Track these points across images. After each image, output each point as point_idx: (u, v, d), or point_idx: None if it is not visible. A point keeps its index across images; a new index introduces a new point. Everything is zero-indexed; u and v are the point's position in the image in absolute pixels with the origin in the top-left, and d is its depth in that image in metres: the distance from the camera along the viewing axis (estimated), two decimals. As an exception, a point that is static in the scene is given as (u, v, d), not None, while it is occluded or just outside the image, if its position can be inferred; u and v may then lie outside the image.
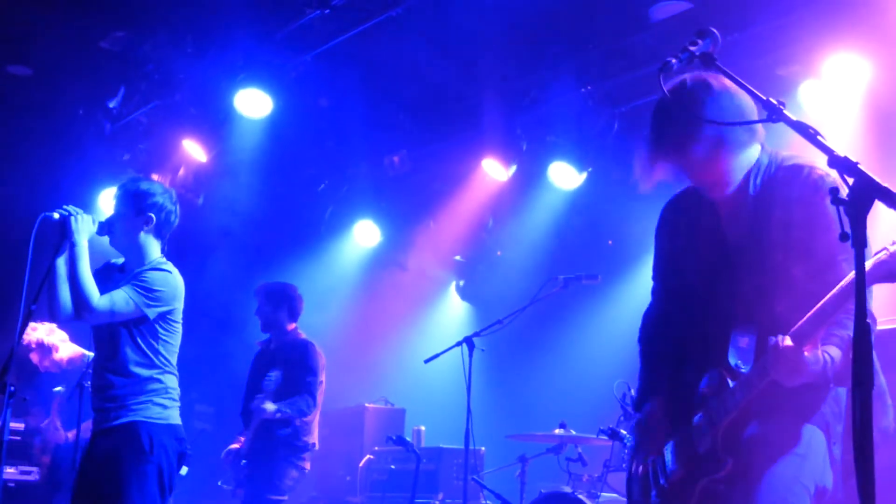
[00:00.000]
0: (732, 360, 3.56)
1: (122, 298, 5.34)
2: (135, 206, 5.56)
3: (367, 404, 10.46)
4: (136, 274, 5.47)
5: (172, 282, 5.55)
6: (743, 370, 3.52)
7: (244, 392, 8.34)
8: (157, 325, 5.44)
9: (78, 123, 10.36)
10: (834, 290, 3.23)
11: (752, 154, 3.68)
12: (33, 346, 8.20)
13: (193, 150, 10.38)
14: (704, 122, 3.52)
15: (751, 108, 3.53)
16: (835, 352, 3.37)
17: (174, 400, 5.50)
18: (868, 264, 3.15)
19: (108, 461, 5.28)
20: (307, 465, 8.21)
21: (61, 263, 5.31)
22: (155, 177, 10.49)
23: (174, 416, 5.47)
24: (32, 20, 8.75)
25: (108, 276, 5.56)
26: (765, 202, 3.62)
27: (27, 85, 9.86)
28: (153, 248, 5.63)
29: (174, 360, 5.57)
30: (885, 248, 3.16)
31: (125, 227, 5.54)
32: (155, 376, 5.41)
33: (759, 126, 3.62)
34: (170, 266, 5.59)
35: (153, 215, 5.59)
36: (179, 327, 5.61)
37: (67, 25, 8.78)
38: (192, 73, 9.35)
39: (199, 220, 10.88)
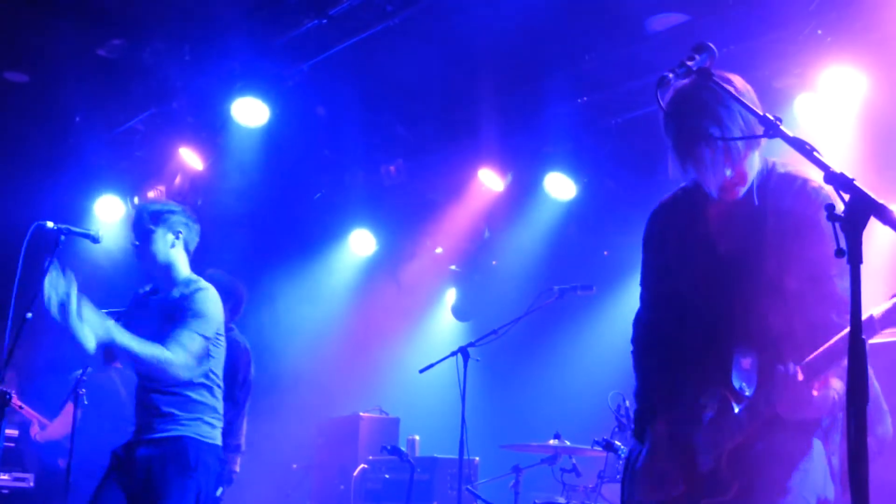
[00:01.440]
0: (736, 383, 3.52)
1: (188, 338, 5.32)
2: (160, 224, 5.57)
3: (361, 413, 10.44)
4: (181, 303, 5.45)
5: (216, 298, 5.57)
6: (746, 393, 3.50)
7: None
8: (209, 348, 5.48)
9: (75, 131, 10.36)
10: (845, 332, 3.17)
11: (757, 156, 3.64)
12: None
13: (190, 159, 10.39)
14: (706, 137, 3.44)
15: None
16: (839, 385, 3.33)
17: (219, 420, 5.54)
18: (887, 305, 3.15)
19: (151, 471, 5.29)
20: (236, 468, 7.95)
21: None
22: (155, 191, 10.52)
23: (218, 437, 5.50)
24: (30, 27, 8.75)
25: (144, 304, 5.60)
26: (759, 211, 3.59)
27: (24, 92, 9.86)
28: (184, 265, 5.66)
29: (220, 374, 5.59)
30: None
31: (154, 248, 5.54)
32: (203, 393, 5.45)
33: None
34: (204, 283, 5.60)
35: (182, 230, 5.62)
36: (224, 340, 5.64)
37: (65, 32, 8.78)
38: (189, 82, 9.36)
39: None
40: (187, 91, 9.49)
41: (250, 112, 9.27)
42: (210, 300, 5.51)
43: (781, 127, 2.91)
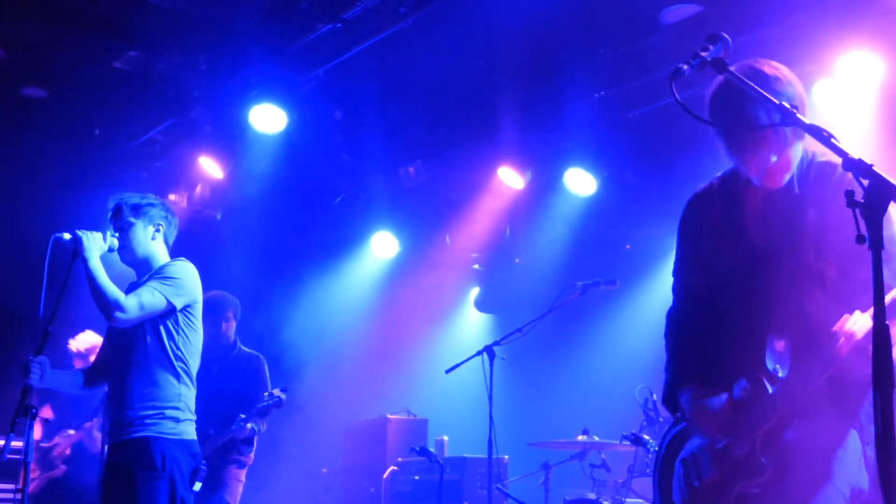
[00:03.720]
0: (770, 365, 3.52)
1: (148, 292, 5.34)
2: (141, 218, 5.59)
3: (389, 416, 10.45)
4: (157, 270, 5.50)
5: (192, 272, 5.59)
6: (780, 374, 3.49)
7: None
8: (180, 321, 5.45)
9: (94, 144, 10.42)
10: None
11: (800, 146, 3.62)
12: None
13: (210, 167, 10.44)
14: (753, 124, 3.43)
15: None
16: None
17: (188, 413, 5.47)
18: None
19: (121, 476, 5.28)
20: (242, 478, 7.86)
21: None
22: (172, 196, 10.55)
23: (187, 432, 5.44)
24: (46, 43, 8.80)
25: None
26: (798, 202, 3.59)
27: (42, 107, 9.91)
28: (164, 255, 5.67)
29: (193, 367, 5.55)
30: None
31: (135, 240, 5.56)
32: (171, 387, 5.40)
33: None
34: (185, 259, 5.63)
35: (162, 223, 5.64)
36: (200, 325, 5.61)
37: (81, 47, 8.83)
38: (206, 91, 9.39)
39: (216, 236, 10.92)
40: (204, 100, 9.53)
41: (268, 119, 9.30)
42: (184, 269, 5.54)
43: (798, 114, 2.90)
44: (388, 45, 8.40)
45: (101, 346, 5.83)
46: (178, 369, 5.44)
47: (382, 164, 10.80)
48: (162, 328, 5.42)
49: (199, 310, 5.61)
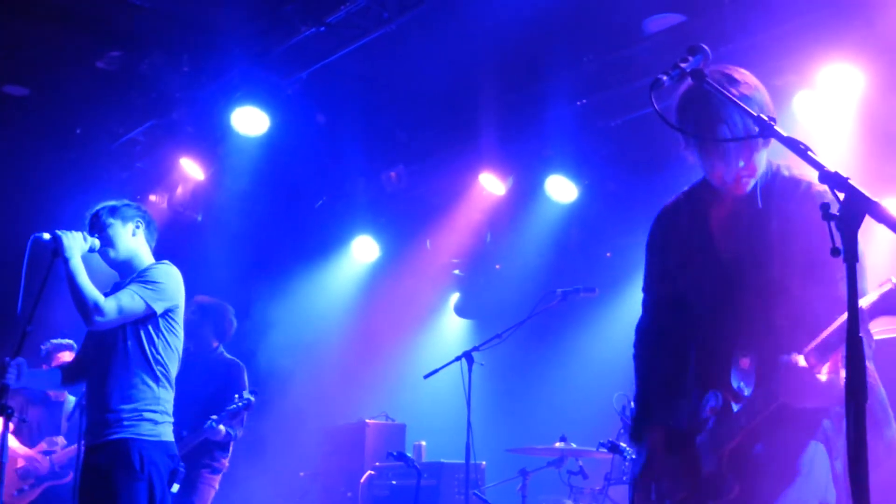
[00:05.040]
0: (735, 383, 3.52)
1: (128, 295, 5.34)
2: (119, 218, 5.58)
3: (367, 420, 10.43)
4: (139, 273, 5.49)
5: (175, 275, 5.58)
6: (745, 392, 3.50)
7: None
8: (160, 325, 5.45)
9: (76, 143, 10.39)
10: (843, 318, 3.13)
11: (765, 154, 3.60)
12: None
13: (191, 169, 10.42)
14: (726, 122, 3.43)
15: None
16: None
17: (166, 415, 5.47)
18: (873, 296, 3.16)
19: (100, 478, 5.27)
20: (216, 485, 7.86)
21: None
22: (153, 197, 10.53)
23: (166, 433, 5.44)
24: (29, 40, 8.78)
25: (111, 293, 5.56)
26: (763, 214, 3.58)
27: (24, 105, 9.88)
28: (147, 255, 5.67)
29: (173, 370, 5.54)
30: (889, 280, 3.16)
31: (117, 241, 5.55)
32: (150, 390, 5.39)
33: None
34: (169, 263, 5.62)
35: (140, 220, 5.64)
36: (181, 330, 5.61)
37: (64, 45, 8.81)
38: (188, 92, 9.39)
39: (197, 238, 10.89)
40: (187, 102, 9.52)
41: (250, 121, 9.29)
42: (166, 273, 5.53)
43: (776, 127, 2.92)
44: (372, 50, 8.42)
45: (82, 345, 5.82)
46: (158, 373, 5.44)
47: (364, 168, 10.80)
48: (142, 332, 5.41)
49: (180, 314, 5.60)
